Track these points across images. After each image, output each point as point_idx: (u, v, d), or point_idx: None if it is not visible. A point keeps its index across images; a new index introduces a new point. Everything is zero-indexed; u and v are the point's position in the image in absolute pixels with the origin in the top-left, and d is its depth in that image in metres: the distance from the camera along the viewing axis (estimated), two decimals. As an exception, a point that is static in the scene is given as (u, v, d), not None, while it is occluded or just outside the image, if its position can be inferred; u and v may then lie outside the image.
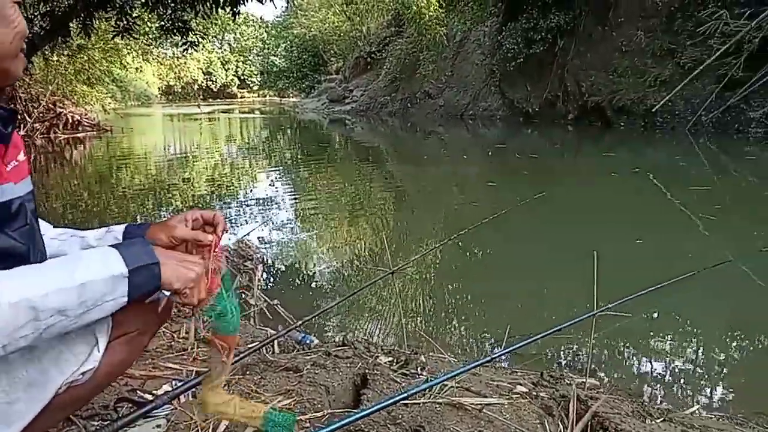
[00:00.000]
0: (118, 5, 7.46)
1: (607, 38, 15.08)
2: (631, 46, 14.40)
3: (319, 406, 1.57)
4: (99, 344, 0.95)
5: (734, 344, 3.01)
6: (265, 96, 59.19)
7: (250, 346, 1.99)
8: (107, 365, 0.98)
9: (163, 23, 8.01)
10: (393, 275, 2.51)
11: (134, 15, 8.08)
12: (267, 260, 4.42)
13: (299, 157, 12.60)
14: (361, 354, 2.10)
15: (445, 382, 1.67)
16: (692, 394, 2.48)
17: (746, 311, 3.33)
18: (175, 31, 7.99)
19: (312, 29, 40.50)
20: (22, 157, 0.98)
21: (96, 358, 0.95)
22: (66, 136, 14.85)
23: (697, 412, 2.03)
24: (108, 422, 1.34)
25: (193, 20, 8.16)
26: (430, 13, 21.02)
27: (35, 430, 0.92)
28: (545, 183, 7.47)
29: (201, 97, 51.01)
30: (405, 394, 1.40)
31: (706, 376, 2.65)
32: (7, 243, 0.89)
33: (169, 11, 7.81)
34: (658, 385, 2.55)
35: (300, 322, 2.25)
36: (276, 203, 6.81)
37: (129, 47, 18.62)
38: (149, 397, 1.54)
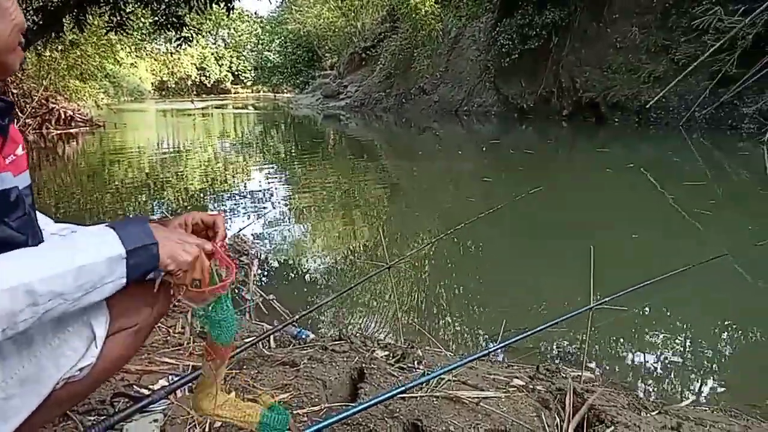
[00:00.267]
0: (111, 0, 7.41)
1: (602, 34, 15.12)
2: (626, 42, 14.45)
3: (317, 400, 1.57)
4: (96, 340, 0.95)
5: (728, 338, 3.03)
6: (259, 92, 58.94)
7: (246, 340, 1.99)
8: (105, 361, 0.97)
9: (156, 18, 7.96)
10: (389, 270, 2.51)
11: (128, 10, 8.01)
12: (262, 255, 4.41)
13: (293, 152, 12.57)
14: (358, 348, 2.10)
15: (442, 376, 1.67)
16: (687, 387, 2.50)
17: (740, 305, 3.35)
18: (168, 26, 7.93)
19: (306, 25, 40.36)
20: (20, 151, 0.97)
21: (93, 353, 0.95)
22: (58, 131, 14.73)
23: (691, 404, 2.05)
24: (105, 417, 1.34)
25: (187, 15, 8.10)
26: (426, 9, 20.97)
27: (32, 425, 0.92)
28: (540, 179, 7.48)
29: (194, 92, 50.81)
30: (402, 388, 1.41)
31: (701, 370, 2.67)
32: (5, 233, 0.88)
33: (163, 6, 7.76)
34: (653, 378, 2.56)
35: (297, 317, 2.25)
36: (270, 199, 6.79)
37: (122, 42, 18.50)
38: (146, 391, 1.54)
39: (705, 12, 12.09)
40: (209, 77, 58.20)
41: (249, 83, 61.86)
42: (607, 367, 2.62)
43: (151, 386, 1.61)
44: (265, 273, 4.05)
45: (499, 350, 2.55)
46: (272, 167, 10.06)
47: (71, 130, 15.16)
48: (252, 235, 4.94)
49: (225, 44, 59.71)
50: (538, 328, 1.76)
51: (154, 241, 0.91)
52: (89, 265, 0.83)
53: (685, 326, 3.15)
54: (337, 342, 2.18)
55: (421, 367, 1.97)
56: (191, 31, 8.62)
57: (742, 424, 1.71)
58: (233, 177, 8.77)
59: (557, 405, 1.68)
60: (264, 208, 6.23)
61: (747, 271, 3.71)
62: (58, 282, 0.80)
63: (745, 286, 3.59)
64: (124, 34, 8.69)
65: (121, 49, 19.93)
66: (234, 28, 57.07)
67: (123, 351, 1.02)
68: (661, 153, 10.12)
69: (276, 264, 4.35)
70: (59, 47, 14.22)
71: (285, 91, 48.72)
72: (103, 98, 21.83)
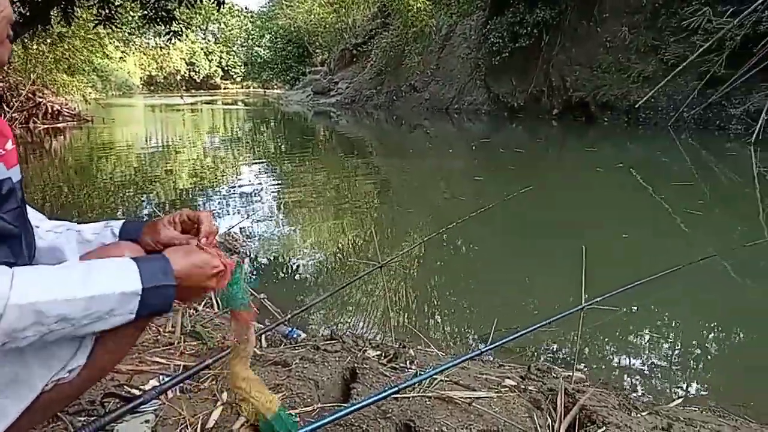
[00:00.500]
0: (99, -7, 7.34)
1: (592, 34, 15.20)
2: (616, 42, 14.54)
3: (309, 400, 1.56)
4: (87, 341, 0.93)
5: (717, 338, 3.06)
6: (249, 87, 58.69)
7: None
8: (95, 362, 0.96)
9: (146, 12, 7.88)
10: (381, 269, 2.51)
11: (116, 3, 7.93)
12: (252, 254, 4.38)
13: (284, 149, 12.52)
14: (350, 348, 2.09)
15: (435, 376, 1.67)
16: (677, 386, 2.52)
17: (729, 305, 3.39)
18: (158, 20, 7.87)
19: (297, 20, 40.17)
20: (9, 146, 0.96)
21: (83, 355, 0.93)
22: (45, 126, 14.56)
23: (681, 404, 2.06)
24: (95, 418, 1.32)
25: (177, 9, 8.04)
26: (417, 5, 20.95)
27: (21, 427, 0.90)
28: (530, 177, 7.51)
29: (184, 87, 50.47)
30: (395, 388, 1.40)
31: (690, 370, 2.69)
32: None
33: (153, 0, 7.69)
34: (644, 378, 2.58)
35: (289, 316, 2.24)
36: (260, 196, 6.76)
37: (111, 36, 18.29)
38: (137, 392, 1.52)
39: (694, 13, 12.21)
40: (199, 72, 57.87)
41: (239, 79, 61.56)
42: (599, 367, 2.63)
43: (142, 386, 1.60)
44: (256, 271, 4.03)
45: (491, 350, 2.55)
46: (262, 164, 10.01)
47: (58, 125, 14.99)
48: (242, 233, 4.91)
49: (215, 39, 59.42)
50: (530, 328, 1.76)
51: (172, 283, 0.91)
52: (101, 296, 0.83)
53: (674, 326, 3.18)
54: (329, 341, 2.17)
55: (413, 367, 1.97)
56: (181, 26, 8.57)
57: (731, 424, 1.73)
58: (222, 174, 8.71)
59: (549, 405, 1.68)
60: (254, 205, 6.20)
61: (736, 271, 3.75)
62: (68, 307, 0.80)
63: (734, 286, 3.63)
64: (113, 27, 8.61)
65: (110, 42, 19.70)
66: (224, 23, 56.81)
67: (114, 352, 1.00)
68: (650, 153, 10.21)
69: (266, 262, 4.33)
70: (47, 40, 14.06)
71: (275, 87, 48.53)
72: (91, 93, 21.51)
